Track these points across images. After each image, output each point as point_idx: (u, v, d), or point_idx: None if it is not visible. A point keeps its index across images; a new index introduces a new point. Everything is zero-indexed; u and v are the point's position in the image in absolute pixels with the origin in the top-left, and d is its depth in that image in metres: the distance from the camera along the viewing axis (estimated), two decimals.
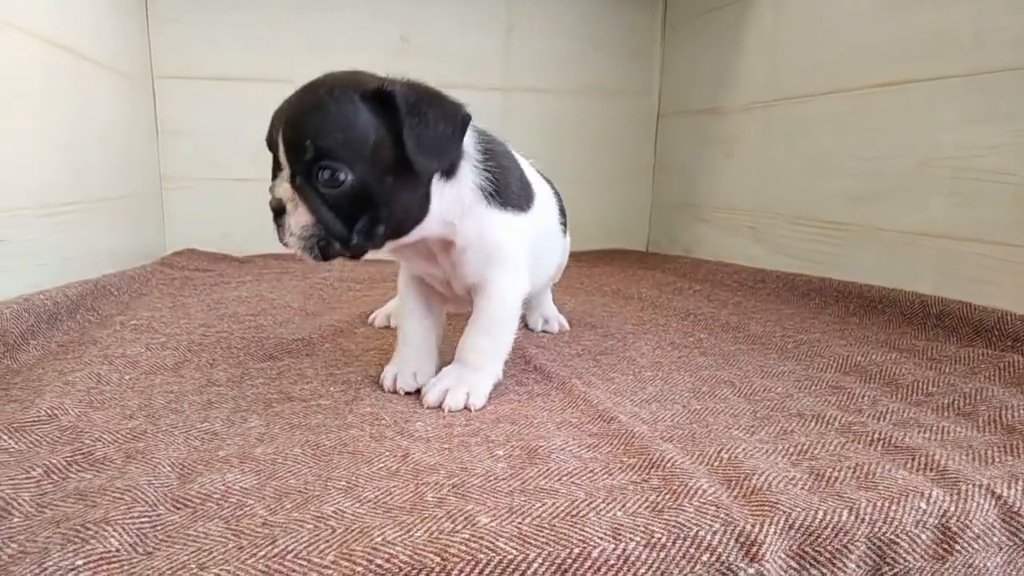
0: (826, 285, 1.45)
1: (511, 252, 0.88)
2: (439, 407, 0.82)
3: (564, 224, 1.15)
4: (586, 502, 0.58)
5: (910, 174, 1.33)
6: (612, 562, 0.52)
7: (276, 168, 0.78)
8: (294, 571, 0.49)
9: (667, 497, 0.59)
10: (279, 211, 0.77)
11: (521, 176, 0.94)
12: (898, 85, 1.36)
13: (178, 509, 0.57)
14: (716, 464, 0.66)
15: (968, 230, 1.22)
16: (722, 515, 0.56)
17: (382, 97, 0.75)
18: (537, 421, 0.78)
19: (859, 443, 0.72)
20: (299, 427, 0.76)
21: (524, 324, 1.24)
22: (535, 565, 0.51)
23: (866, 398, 0.86)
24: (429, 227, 0.83)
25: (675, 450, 0.68)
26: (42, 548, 0.50)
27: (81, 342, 1.05)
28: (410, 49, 2.09)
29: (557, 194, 1.13)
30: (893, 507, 0.59)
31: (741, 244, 1.88)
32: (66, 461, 0.64)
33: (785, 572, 0.55)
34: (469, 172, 0.85)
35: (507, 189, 0.88)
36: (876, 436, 0.73)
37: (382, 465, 0.66)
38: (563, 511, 0.57)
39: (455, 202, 0.83)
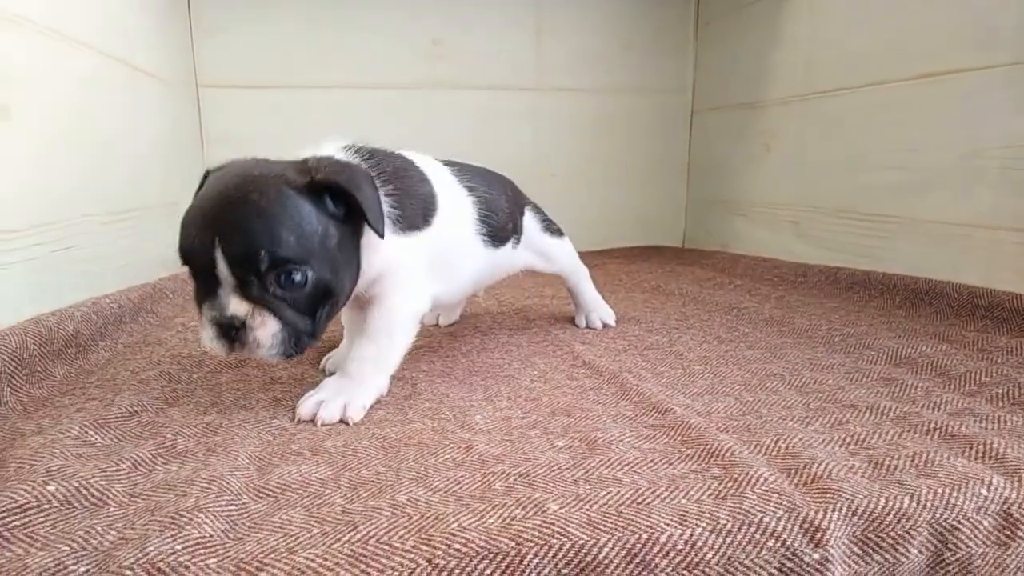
0: (870, 278, 1.45)
1: (404, 267, 0.86)
2: (311, 421, 0.78)
3: (492, 231, 1.04)
4: (650, 490, 0.60)
5: (955, 165, 1.33)
6: (680, 547, 0.53)
7: (209, 282, 0.72)
8: (377, 555, 0.51)
9: (729, 485, 0.60)
10: (231, 327, 0.72)
11: (421, 192, 0.91)
12: (940, 76, 1.36)
13: (261, 498, 0.60)
14: (774, 454, 0.67)
15: (1016, 221, 1.21)
16: (785, 502, 0.58)
17: (312, 186, 0.74)
18: (592, 414, 0.79)
19: (915, 433, 0.73)
20: (364, 422, 0.78)
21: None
22: (606, 549, 0.53)
23: (919, 389, 0.87)
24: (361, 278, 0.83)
25: (732, 440, 0.69)
26: (141, 534, 0.53)
27: (146, 343, 1.09)
28: (443, 53, 2.12)
29: (486, 198, 1.04)
30: (954, 494, 0.60)
31: (781, 238, 1.88)
32: (151, 454, 0.67)
33: (848, 558, 0.57)
34: None
35: (404, 212, 0.86)
36: (932, 426, 0.74)
37: (448, 456, 0.68)
38: (628, 498, 0.58)
39: (367, 245, 0.82)
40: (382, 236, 0.77)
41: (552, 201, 2.26)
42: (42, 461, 0.65)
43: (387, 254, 0.84)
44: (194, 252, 0.71)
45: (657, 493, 0.59)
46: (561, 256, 1.25)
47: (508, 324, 1.26)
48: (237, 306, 0.71)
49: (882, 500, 0.59)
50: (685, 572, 0.53)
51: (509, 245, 1.10)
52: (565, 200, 2.29)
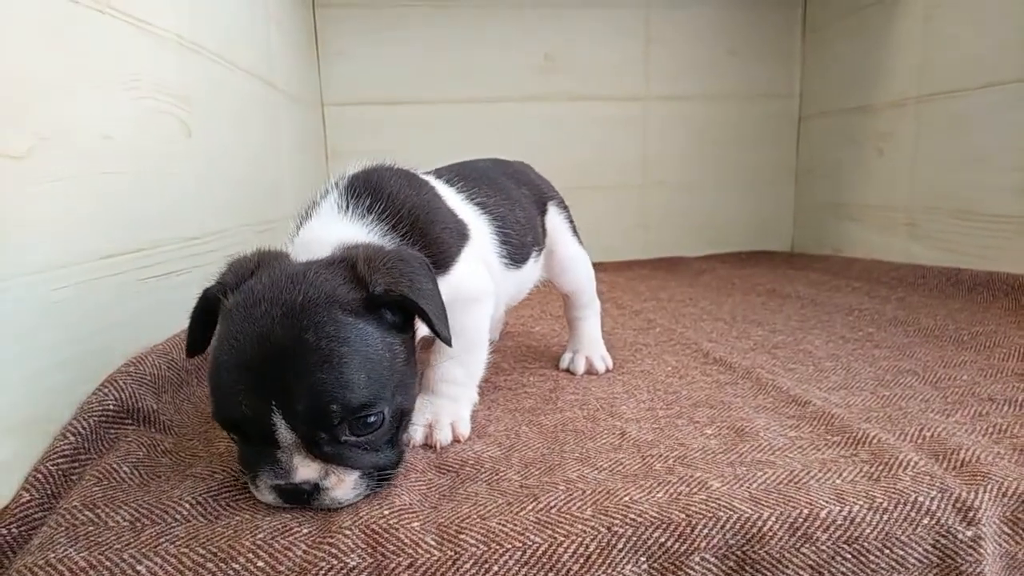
0: (993, 279, 1.44)
1: (471, 289, 0.80)
2: (425, 445, 0.75)
3: (512, 251, 0.92)
4: (804, 471, 0.64)
5: None
6: (839, 522, 0.58)
7: (264, 445, 0.59)
8: (560, 522, 0.58)
9: (880, 468, 0.64)
10: (301, 493, 0.59)
11: (453, 220, 0.82)
12: None
13: (444, 474, 0.68)
14: (920, 441, 0.71)
15: None
16: (937, 484, 0.61)
17: (370, 304, 0.63)
18: (734, 405, 0.84)
19: None
20: (517, 410, 0.85)
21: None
22: (769, 523, 0.58)
23: None
24: None
25: (877, 429, 0.73)
26: (351, 504, 0.61)
27: None
28: (554, 67, 2.19)
29: (501, 215, 0.92)
30: None
31: (895, 241, 1.87)
32: None
33: (999, 536, 0.60)
34: None
35: (449, 247, 0.78)
36: None
37: (605, 441, 0.74)
38: (785, 479, 0.63)
39: None
40: (450, 345, 0.68)
41: (661, 207, 2.32)
42: None
43: (453, 286, 0.76)
44: (244, 419, 0.58)
45: (811, 474, 0.64)
46: (579, 268, 1.08)
47: (631, 325, 1.32)
48: (306, 470, 0.59)
49: None
50: (844, 546, 0.58)
51: (531, 260, 0.99)
52: (674, 206, 2.34)
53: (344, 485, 0.60)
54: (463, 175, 0.93)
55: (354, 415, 0.59)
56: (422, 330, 0.71)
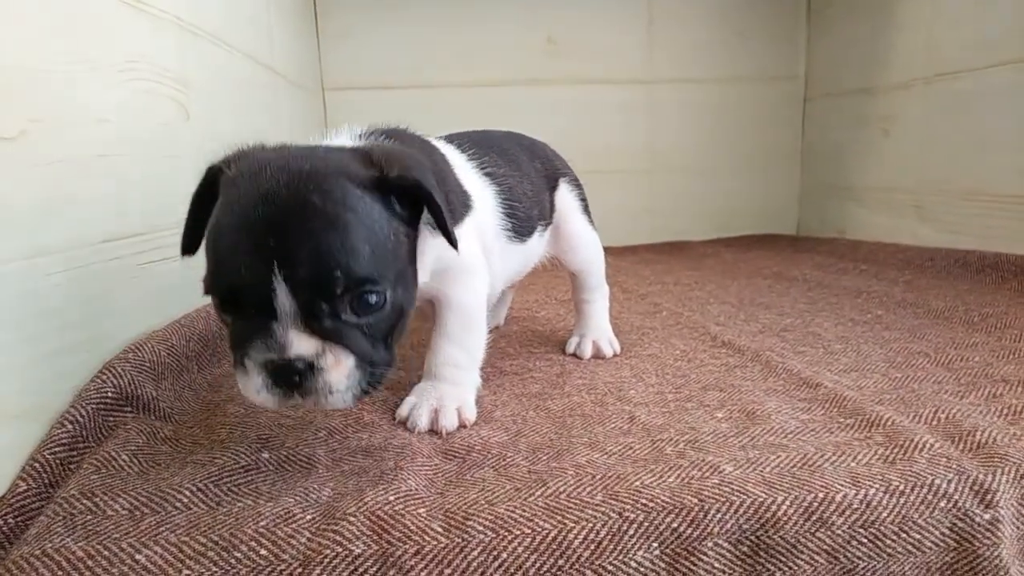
0: (1002, 260, 1.42)
1: (464, 258, 0.75)
2: (431, 431, 0.74)
3: (518, 224, 0.90)
4: (818, 454, 0.63)
5: None
6: (856, 506, 0.57)
7: (258, 319, 0.56)
8: (570, 508, 0.56)
9: (895, 451, 0.63)
10: (293, 371, 0.56)
11: (456, 180, 0.81)
12: None
13: (450, 460, 0.66)
14: (934, 424, 0.69)
15: None
16: (954, 466, 0.60)
17: (381, 184, 0.62)
18: (744, 388, 0.83)
19: None
20: (524, 395, 0.84)
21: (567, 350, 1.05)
22: (784, 507, 0.56)
23: None
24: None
25: (890, 411, 0.72)
26: (356, 489, 0.59)
27: None
28: (557, 50, 2.17)
29: (509, 187, 0.90)
30: None
31: (902, 223, 1.85)
32: (342, 424, 0.74)
33: (1017, 519, 0.59)
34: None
35: (451, 203, 0.75)
36: None
37: (614, 425, 0.73)
38: (799, 462, 0.62)
39: (421, 245, 0.69)
40: (457, 248, 0.66)
41: (665, 191, 2.30)
42: (250, 430, 0.73)
43: (442, 253, 0.71)
44: (243, 284, 0.55)
45: (826, 457, 0.62)
46: (588, 247, 1.05)
47: (637, 309, 1.30)
48: (302, 344, 0.56)
49: None
50: (861, 530, 0.56)
51: (536, 234, 0.96)
52: (678, 189, 2.32)
53: (340, 368, 0.57)
54: (476, 143, 0.91)
55: (357, 287, 0.57)
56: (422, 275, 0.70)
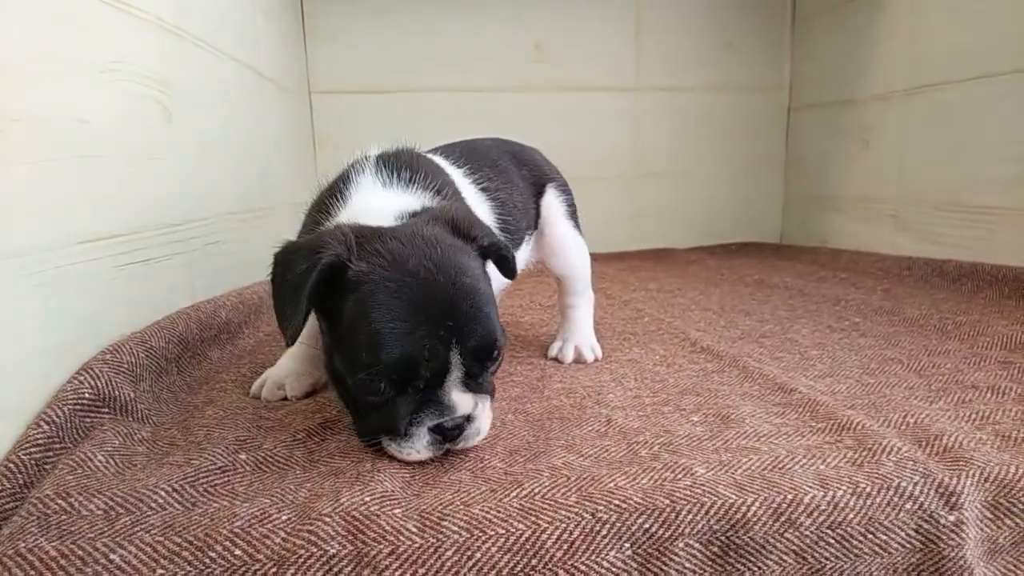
0: (978, 270, 1.44)
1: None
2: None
3: (509, 236, 0.93)
4: (789, 457, 0.64)
5: None
6: (823, 507, 0.58)
7: (423, 387, 0.64)
8: (544, 509, 0.57)
9: (864, 454, 0.64)
10: (458, 428, 0.65)
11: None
12: None
13: (427, 461, 0.67)
14: (903, 428, 0.71)
15: None
16: (920, 469, 0.61)
17: (482, 252, 0.73)
18: (721, 393, 0.84)
19: None
20: (503, 399, 0.84)
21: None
22: (754, 508, 0.57)
23: None
24: None
25: (861, 416, 0.73)
26: (333, 490, 0.60)
27: None
28: (544, 57, 2.19)
29: (502, 200, 0.94)
30: None
31: (880, 232, 1.87)
32: (320, 426, 0.75)
33: (981, 521, 0.60)
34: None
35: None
36: None
37: (591, 428, 0.74)
38: (769, 465, 0.63)
39: None
40: (514, 277, 0.79)
41: (651, 198, 2.32)
42: (228, 431, 0.73)
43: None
44: (422, 359, 0.62)
45: (796, 460, 0.63)
46: (572, 252, 1.07)
47: (620, 315, 1.31)
48: (466, 403, 0.65)
49: (1012, 468, 0.62)
50: (828, 531, 0.57)
51: (524, 244, 1.01)
52: (664, 197, 2.33)
53: (486, 414, 0.67)
54: (469, 156, 0.95)
55: (499, 348, 0.67)
56: None
